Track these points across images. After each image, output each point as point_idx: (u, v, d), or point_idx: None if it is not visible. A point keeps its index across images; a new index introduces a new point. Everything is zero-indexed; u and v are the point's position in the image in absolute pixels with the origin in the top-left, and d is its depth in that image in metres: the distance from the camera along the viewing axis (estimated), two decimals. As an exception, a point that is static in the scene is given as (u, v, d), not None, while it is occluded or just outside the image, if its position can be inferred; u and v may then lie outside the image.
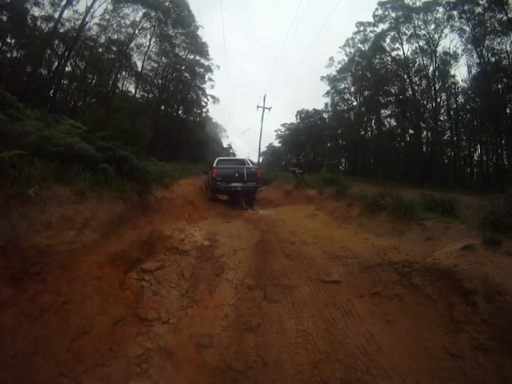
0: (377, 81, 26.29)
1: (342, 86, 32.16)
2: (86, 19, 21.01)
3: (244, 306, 2.84)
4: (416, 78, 25.94)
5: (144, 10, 23.86)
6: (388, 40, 26.93)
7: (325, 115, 36.28)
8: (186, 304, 2.90)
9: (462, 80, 23.83)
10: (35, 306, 2.23)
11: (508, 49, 20.00)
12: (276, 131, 43.73)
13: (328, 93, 32.97)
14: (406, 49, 25.96)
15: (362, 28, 28.76)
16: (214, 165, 8.66)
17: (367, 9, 43.12)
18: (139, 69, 26.25)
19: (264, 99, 23.07)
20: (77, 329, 2.27)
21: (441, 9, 23.25)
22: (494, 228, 2.96)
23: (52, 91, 19.85)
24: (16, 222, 2.43)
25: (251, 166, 9.13)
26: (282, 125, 43.17)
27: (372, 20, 27.64)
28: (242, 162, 9.67)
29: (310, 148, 41.30)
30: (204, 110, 33.43)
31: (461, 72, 25.29)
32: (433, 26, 24.15)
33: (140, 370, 2.15)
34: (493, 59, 21.03)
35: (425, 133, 25.61)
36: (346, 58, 30.56)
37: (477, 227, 3.22)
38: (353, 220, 5.28)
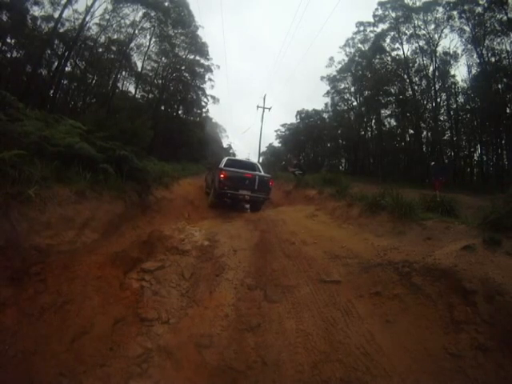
0: (377, 81, 26.32)
1: (342, 86, 32.27)
2: (86, 19, 21.03)
3: (244, 305, 2.84)
4: (416, 78, 25.99)
5: (144, 10, 23.89)
6: (388, 40, 27.06)
7: (325, 115, 36.37)
8: (186, 304, 2.90)
9: (462, 80, 23.93)
10: (35, 306, 2.23)
11: (508, 49, 20.07)
12: (276, 131, 43.86)
13: (328, 93, 33.06)
14: (406, 49, 26.07)
15: (362, 28, 28.88)
16: (222, 165, 7.47)
17: (367, 9, 43.12)
18: (139, 69, 26.32)
19: (264, 99, 23.12)
20: (77, 329, 2.27)
21: (441, 9, 23.33)
22: (494, 228, 2.96)
23: (52, 91, 19.85)
24: (16, 221, 2.43)
25: (263, 173, 7.94)
26: (282, 125, 43.29)
27: (372, 20, 27.77)
28: (253, 166, 8.49)
29: (309, 148, 41.34)
30: (204, 110, 33.56)
31: (461, 72, 25.39)
32: (433, 26, 24.23)
33: (140, 369, 2.14)
34: (493, 59, 21.06)
35: (425, 133, 25.66)
36: (346, 58, 30.69)
37: (477, 227, 3.22)
38: (353, 220, 5.28)
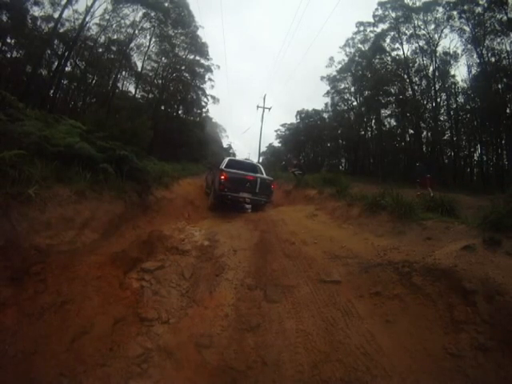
0: (377, 81, 26.32)
1: (342, 86, 32.28)
2: (86, 19, 21.04)
3: (244, 305, 2.84)
4: (416, 78, 26.00)
5: (144, 11, 23.92)
6: (388, 40, 27.08)
7: (325, 115, 36.37)
8: (186, 304, 2.90)
9: (462, 80, 23.95)
10: (35, 306, 2.23)
11: (508, 49, 20.08)
12: (276, 131, 43.88)
13: (328, 93, 33.07)
14: (406, 49, 26.10)
15: (362, 28, 28.89)
16: (223, 166, 7.22)
17: (367, 9, 43.13)
18: (139, 69, 26.33)
19: (264, 99, 23.15)
20: (77, 329, 2.27)
21: (441, 9, 23.35)
22: (494, 228, 2.96)
23: (52, 91, 19.86)
24: (16, 221, 2.43)
25: (265, 176, 7.74)
26: (282, 125, 43.32)
27: (372, 20, 27.79)
28: (255, 168, 8.29)
29: (309, 148, 41.34)
30: (204, 110, 33.56)
31: (461, 72, 25.49)
32: (433, 26, 24.25)
33: (140, 369, 2.14)
34: (493, 59, 21.06)
35: (425, 133, 25.67)
36: (346, 58, 30.70)
37: (477, 227, 3.22)
38: (353, 220, 5.28)
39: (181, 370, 2.19)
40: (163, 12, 24.39)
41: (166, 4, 25.05)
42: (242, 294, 3.01)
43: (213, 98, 31.50)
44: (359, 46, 29.66)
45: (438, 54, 24.37)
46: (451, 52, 23.69)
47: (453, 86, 24.07)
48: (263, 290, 3.07)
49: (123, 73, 26.33)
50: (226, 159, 8.09)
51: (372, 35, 28.31)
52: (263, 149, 41.88)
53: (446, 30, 23.56)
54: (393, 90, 27.28)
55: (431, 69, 24.95)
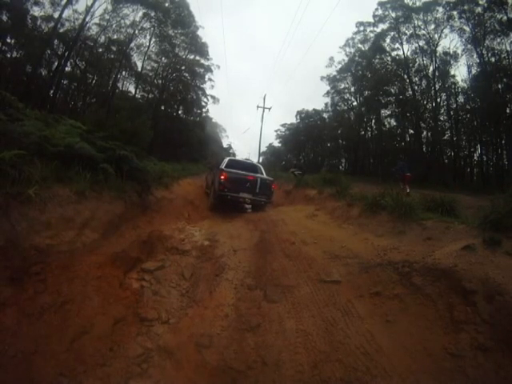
0: (377, 81, 26.30)
1: (342, 86, 32.21)
2: (86, 19, 21.01)
3: (244, 305, 2.84)
4: (416, 78, 25.97)
5: (144, 11, 23.89)
6: (388, 40, 27.02)
7: (325, 115, 36.32)
8: (186, 304, 2.90)
9: (462, 80, 23.91)
10: (35, 306, 2.23)
11: (508, 49, 20.05)
12: (276, 131, 43.88)
13: (328, 93, 33.01)
14: (406, 49, 26.04)
15: (361, 28, 28.83)
16: (223, 166, 7.23)
17: (367, 9, 43.12)
18: (139, 69, 26.31)
19: (264, 99, 23.13)
20: (77, 329, 2.27)
21: (441, 9, 23.30)
22: (494, 228, 2.96)
23: (52, 91, 19.84)
24: (16, 222, 2.43)
25: (266, 176, 7.69)
26: (282, 125, 43.33)
27: (372, 20, 27.72)
28: (255, 168, 8.19)
29: (310, 148, 41.35)
30: (204, 110, 33.51)
31: (461, 72, 25.41)
32: (433, 26, 24.20)
33: (140, 369, 2.15)
34: (493, 59, 21.04)
35: (425, 133, 25.65)
36: (346, 58, 30.64)
37: (477, 227, 3.22)
38: (353, 220, 5.28)
39: (181, 370, 2.19)
40: (163, 12, 24.37)
41: (166, 4, 25.03)
42: (242, 294, 3.01)
43: (213, 97, 31.51)
44: (359, 45, 29.65)
45: (438, 54, 24.35)
46: (451, 52, 23.69)
47: (453, 86, 24.05)
48: (263, 290, 3.07)
49: (123, 73, 26.31)
50: (226, 159, 8.05)
51: (372, 35, 28.29)
52: (263, 149, 41.90)
53: (446, 30, 23.55)
54: (393, 90, 27.25)
55: (431, 69, 24.93)
